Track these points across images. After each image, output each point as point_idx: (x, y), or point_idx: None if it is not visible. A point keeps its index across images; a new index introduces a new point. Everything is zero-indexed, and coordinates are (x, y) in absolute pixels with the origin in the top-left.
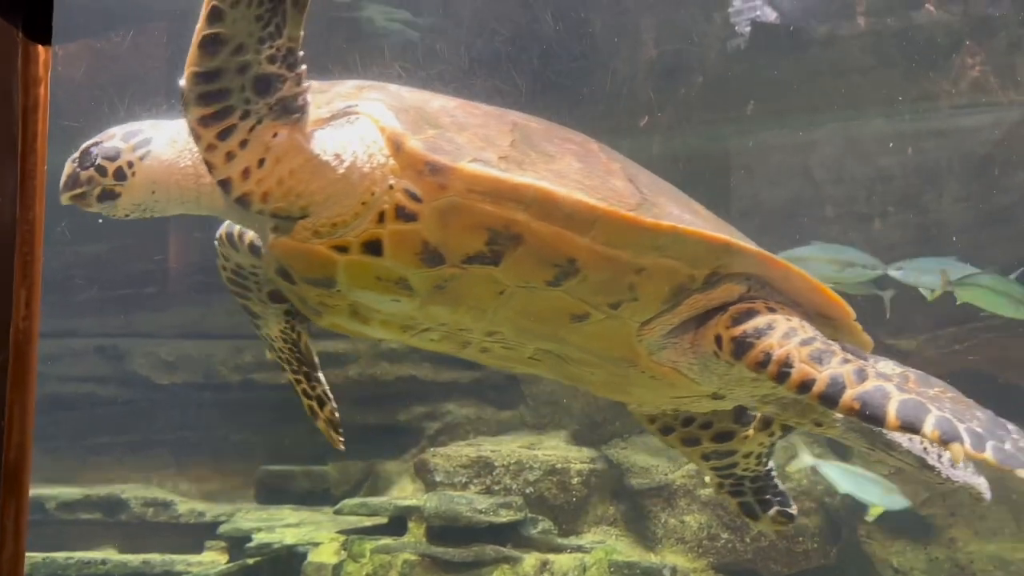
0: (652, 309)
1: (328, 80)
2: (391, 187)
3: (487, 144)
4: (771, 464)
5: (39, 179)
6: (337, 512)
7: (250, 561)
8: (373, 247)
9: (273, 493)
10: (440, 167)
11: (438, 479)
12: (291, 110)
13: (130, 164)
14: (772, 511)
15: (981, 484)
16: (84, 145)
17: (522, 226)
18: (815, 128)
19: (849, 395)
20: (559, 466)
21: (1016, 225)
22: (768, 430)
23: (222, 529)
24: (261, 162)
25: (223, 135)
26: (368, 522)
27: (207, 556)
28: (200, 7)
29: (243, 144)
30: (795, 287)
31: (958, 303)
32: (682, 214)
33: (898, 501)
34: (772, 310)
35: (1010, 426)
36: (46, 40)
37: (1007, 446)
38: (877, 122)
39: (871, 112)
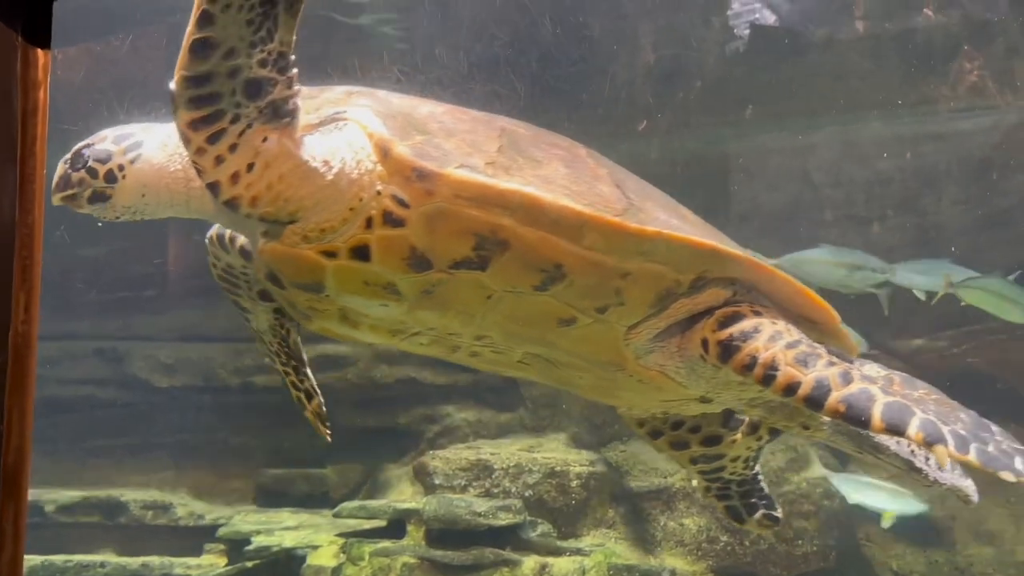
0: (639, 313)
1: (319, 86)
2: (379, 193)
3: (474, 150)
4: (758, 468)
5: (38, 183)
6: (336, 515)
7: (249, 564)
8: (361, 252)
9: (272, 496)
10: (427, 173)
11: (437, 482)
12: (281, 114)
13: (121, 167)
14: (758, 514)
15: (969, 487)
16: (76, 147)
17: (509, 231)
18: (814, 132)
19: (834, 398)
20: (558, 469)
21: (1015, 228)
22: (756, 434)
23: (221, 532)
24: (250, 167)
25: (213, 139)
26: (367, 525)
27: (206, 559)
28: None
29: (233, 148)
30: (781, 291)
31: (963, 305)
32: (669, 219)
33: (913, 505)
34: (758, 313)
35: (994, 428)
36: (45, 44)
37: (990, 448)
38: (875, 125)
39: (870, 115)
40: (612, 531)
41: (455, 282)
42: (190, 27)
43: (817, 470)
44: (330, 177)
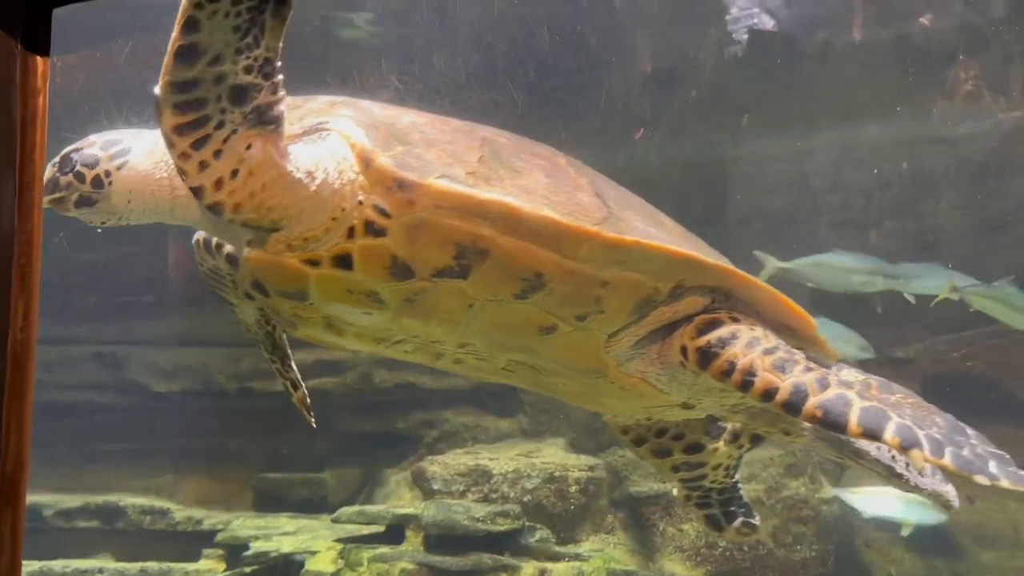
0: (618, 321)
1: (303, 96)
2: (361, 203)
3: (455, 160)
4: (738, 476)
5: (37, 190)
6: (335, 520)
7: (247, 569)
8: (343, 261)
9: (271, 501)
10: (408, 183)
11: (436, 487)
12: (266, 120)
13: (107, 173)
14: (737, 522)
15: (949, 492)
16: (65, 150)
17: (489, 241)
18: (812, 137)
19: (812, 403)
20: (557, 474)
21: (1013, 232)
22: (737, 443)
23: (219, 537)
24: (234, 173)
25: (197, 144)
26: (366, 530)
27: (204, 564)
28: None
29: (217, 154)
30: (759, 299)
31: (971, 311)
32: (647, 228)
33: (931, 515)
34: (736, 320)
35: (969, 431)
36: (45, 51)
37: (965, 452)
38: (873, 130)
39: (868, 120)
40: (611, 536)
41: (437, 291)
42: (175, 32)
43: (827, 491)
44: (313, 188)
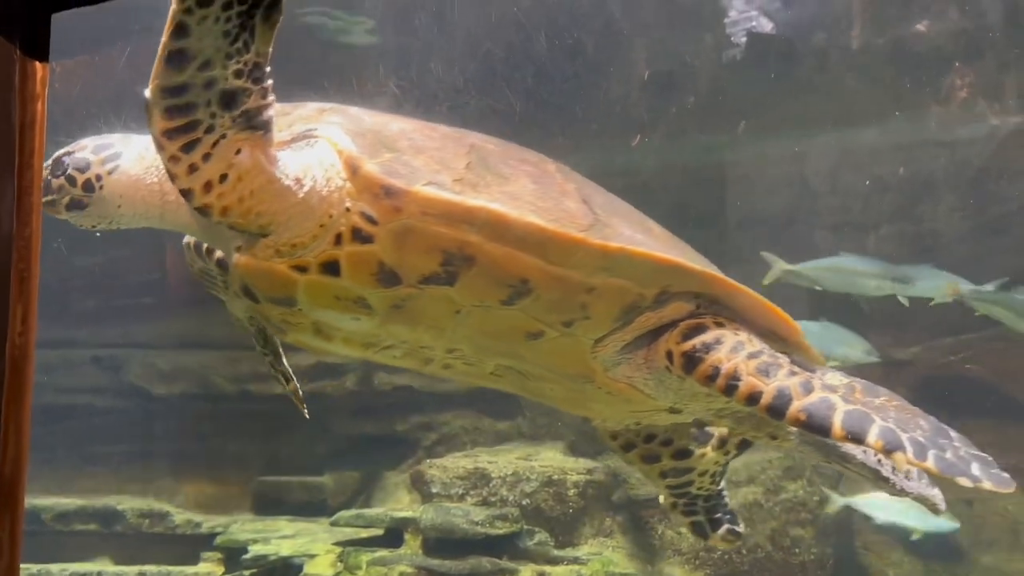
0: (604, 327)
1: (293, 103)
2: (348, 210)
3: (443, 167)
4: (723, 483)
5: (36, 195)
6: (333, 523)
7: (246, 573)
8: (331, 268)
9: (269, 504)
10: (395, 190)
11: (434, 490)
12: (256, 124)
13: (99, 177)
14: (722, 530)
15: (936, 496)
16: (57, 154)
17: (475, 247)
18: (810, 140)
19: (796, 407)
20: (556, 477)
21: (1011, 235)
22: (724, 449)
23: (218, 540)
24: (223, 177)
25: (187, 148)
26: (364, 534)
27: (203, 567)
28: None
29: (206, 158)
30: (743, 305)
31: (977, 315)
32: (634, 234)
33: (942, 523)
34: (720, 325)
35: (953, 434)
36: (43, 57)
37: (948, 455)
38: (872, 133)
39: (866, 124)
40: (610, 540)
41: (424, 297)
42: (165, 37)
43: (838, 500)
44: (301, 195)
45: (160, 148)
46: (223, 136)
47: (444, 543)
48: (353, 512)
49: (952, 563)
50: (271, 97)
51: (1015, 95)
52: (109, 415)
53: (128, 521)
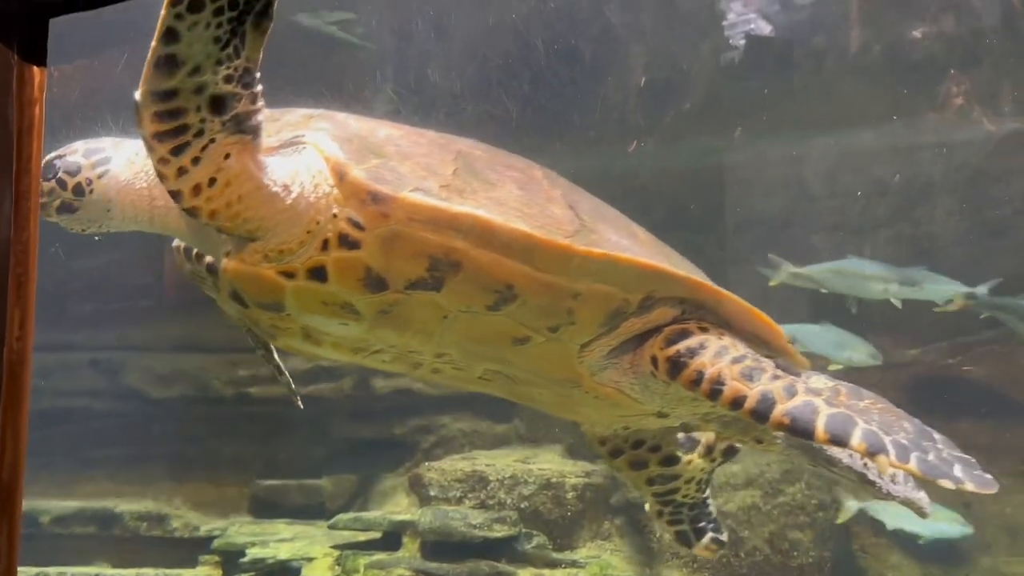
0: (590, 332)
1: (281, 108)
2: (335, 216)
3: (429, 173)
4: (708, 491)
5: (33, 199)
6: (331, 527)
7: None
8: (318, 273)
9: (267, 507)
10: (382, 196)
11: (432, 493)
12: (245, 129)
13: (89, 181)
14: (706, 539)
15: (922, 499)
16: (48, 157)
17: (461, 253)
18: (808, 142)
19: (779, 411)
20: (554, 480)
21: (1009, 238)
22: (710, 456)
23: (216, 543)
24: (212, 181)
25: (176, 151)
26: (362, 537)
27: (201, 570)
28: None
29: (195, 161)
30: (728, 310)
31: (982, 317)
32: (619, 240)
33: (955, 529)
34: (705, 330)
35: (936, 436)
36: (41, 62)
37: (931, 457)
38: (869, 136)
39: (864, 127)
40: (608, 543)
41: (411, 302)
42: (154, 42)
43: (852, 506)
44: (289, 201)
45: (150, 150)
46: (212, 140)
47: (442, 546)
48: (351, 515)
49: (950, 565)
50: (261, 102)
51: (1010, 102)
52: (107, 418)
53: (126, 524)
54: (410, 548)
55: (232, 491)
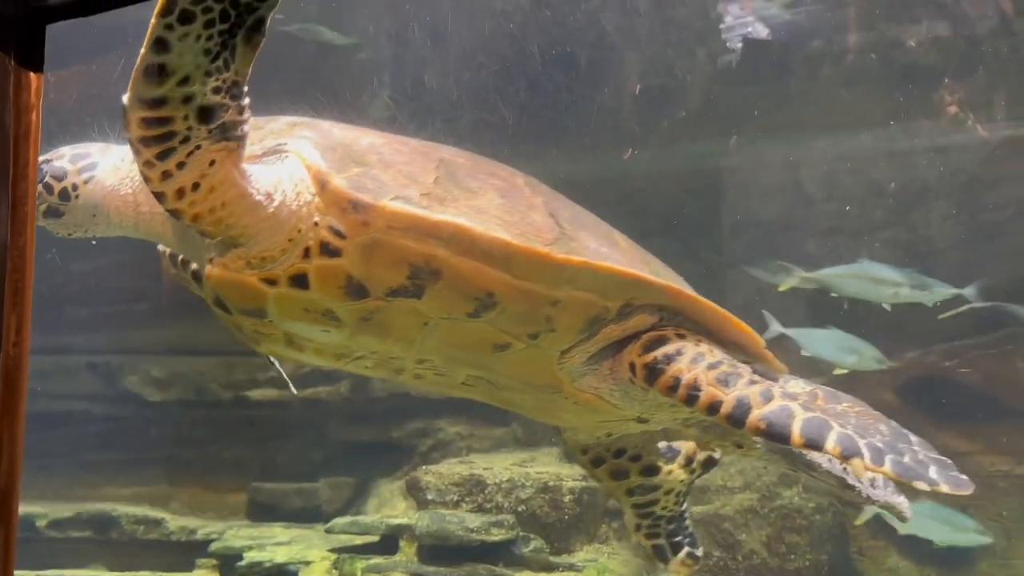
0: (570, 339)
1: (265, 117)
2: (316, 224)
3: (411, 181)
4: (686, 505)
5: (30, 205)
6: (328, 530)
7: None
8: (300, 281)
9: (265, 510)
10: (363, 205)
11: (430, 497)
12: (230, 137)
13: (75, 186)
14: (682, 553)
15: (902, 503)
16: None
17: (441, 261)
18: (805, 146)
19: (755, 415)
20: (551, 484)
21: (1005, 242)
22: (690, 467)
23: (213, 547)
24: (196, 186)
25: (162, 156)
26: (359, 540)
27: (198, 574)
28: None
29: (180, 166)
30: (706, 318)
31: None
32: (599, 248)
33: (969, 537)
34: (682, 337)
35: (913, 438)
36: (38, 68)
37: (906, 459)
38: (866, 140)
39: (860, 130)
40: (605, 546)
41: (392, 309)
42: (144, 50)
43: (866, 512)
44: (271, 209)
45: (136, 153)
46: (198, 147)
47: (439, 550)
48: (348, 519)
49: (947, 568)
50: (248, 113)
51: (1004, 109)
52: (104, 422)
53: (123, 528)
54: (407, 552)
55: (229, 495)
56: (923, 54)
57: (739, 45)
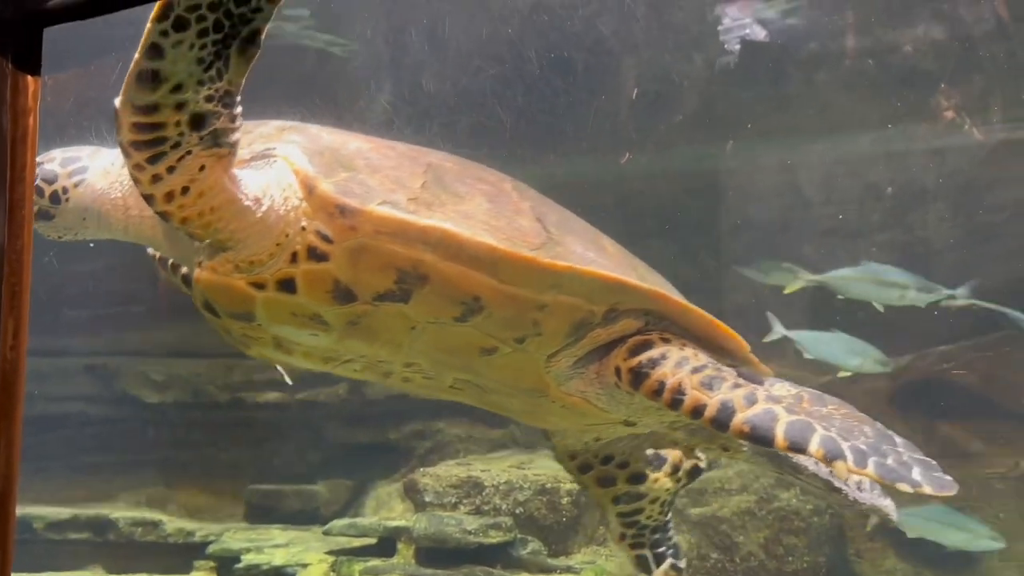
0: (556, 343)
1: (255, 121)
2: (303, 228)
3: (398, 186)
4: (670, 516)
5: (27, 208)
6: (326, 532)
7: None
8: (287, 285)
9: (262, 512)
10: (350, 209)
11: (427, 499)
12: (221, 144)
13: (65, 190)
14: (665, 564)
15: (888, 506)
16: None
17: (428, 266)
18: (802, 148)
19: (739, 419)
20: (549, 486)
21: (1002, 243)
22: (675, 476)
23: (211, 549)
24: (185, 190)
25: (152, 160)
26: (357, 543)
27: None
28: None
29: (170, 170)
30: (691, 322)
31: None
32: (585, 252)
33: (981, 543)
34: (667, 341)
35: (897, 440)
36: (35, 71)
37: (889, 461)
38: (864, 142)
39: (858, 133)
40: (603, 548)
41: (379, 313)
42: (138, 55)
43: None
44: (259, 214)
45: (126, 156)
46: (189, 152)
47: (437, 552)
48: (346, 521)
49: (945, 570)
50: (239, 122)
51: (1000, 112)
52: (102, 424)
53: (120, 530)
54: (405, 554)
55: (227, 496)
56: (920, 58)
57: (737, 47)
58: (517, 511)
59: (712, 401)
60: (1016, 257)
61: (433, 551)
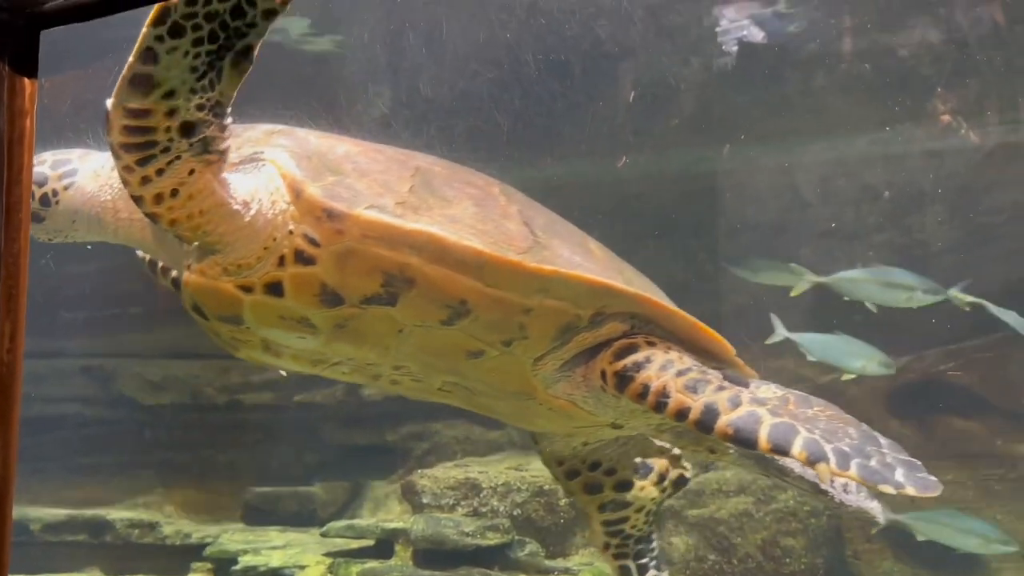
0: (542, 346)
1: (244, 124)
2: (291, 232)
3: (386, 190)
4: (653, 526)
5: (24, 211)
6: (324, 534)
7: None
8: (275, 288)
9: (260, 514)
10: (337, 213)
11: (425, 501)
12: (211, 151)
13: (55, 192)
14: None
15: (874, 508)
16: None
17: (415, 270)
18: (800, 149)
19: (723, 421)
20: (547, 487)
21: (1000, 245)
22: (661, 485)
23: (208, 551)
24: (174, 192)
25: (142, 162)
26: (355, 544)
27: None
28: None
29: (160, 173)
30: (677, 326)
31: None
32: (572, 256)
33: (989, 546)
34: (652, 344)
35: (882, 441)
36: (32, 73)
37: (872, 462)
38: (860, 144)
39: (855, 136)
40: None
41: (367, 317)
42: (132, 59)
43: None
44: (248, 218)
45: (116, 158)
46: (178, 157)
47: (435, 554)
48: (344, 523)
49: (942, 572)
50: (229, 131)
51: (996, 115)
52: (99, 425)
53: (118, 531)
54: (402, 556)
55: (224, 498)
56: (917, 62)
57: (734, 50)
58: (515, 513)
59: (696, 404)
60: (1013, 259)
61: (431, 553)
